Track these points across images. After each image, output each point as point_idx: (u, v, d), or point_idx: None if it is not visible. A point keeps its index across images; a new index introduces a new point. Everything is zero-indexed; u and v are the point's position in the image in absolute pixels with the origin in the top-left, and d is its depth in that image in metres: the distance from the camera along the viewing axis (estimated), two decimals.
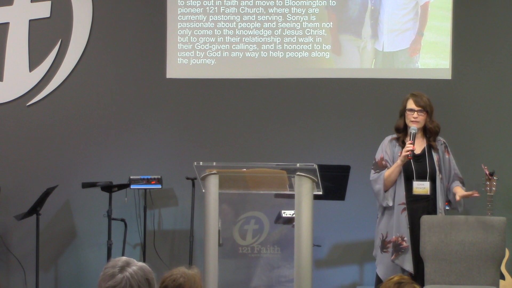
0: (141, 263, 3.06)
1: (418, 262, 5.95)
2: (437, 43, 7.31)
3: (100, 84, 7.55)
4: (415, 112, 5.96)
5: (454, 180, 6.10)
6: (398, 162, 5.92)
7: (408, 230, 5.92)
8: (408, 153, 5.86)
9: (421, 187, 5.95)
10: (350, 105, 7.35)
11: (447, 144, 6.11)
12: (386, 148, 6.05)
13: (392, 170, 5.93)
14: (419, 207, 5.96)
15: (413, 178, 5.93)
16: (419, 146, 5.99)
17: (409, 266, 5.91)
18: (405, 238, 5.91)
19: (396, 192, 5.94)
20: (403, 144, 6.00)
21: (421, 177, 5.95)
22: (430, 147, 6.02)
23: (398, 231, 5.91)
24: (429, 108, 6.00)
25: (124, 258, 3.07)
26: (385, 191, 5.94)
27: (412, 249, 5.93)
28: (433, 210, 5.98)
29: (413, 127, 5.94)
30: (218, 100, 7.48)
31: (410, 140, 5.91)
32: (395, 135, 6.09)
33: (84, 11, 7.52)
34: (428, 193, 5.96)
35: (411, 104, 5.99)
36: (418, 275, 5.92)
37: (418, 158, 5.97)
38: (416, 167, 5.95)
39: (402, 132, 6.04)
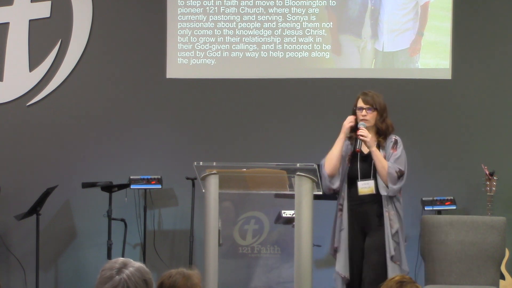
0: (138, 264, 3.06)
1: (353, 267, 5.74)
2: (437, 43, 7.31)
3: (100, 84, 7.55)
4: (364, 110, 5.77)
5: None
6: (341, 135, 5.75)
7: (342, 231, 5.72)
8: (351, 123, 5.72)
9: (366, 186, 5.72)
10: (350, 105, 7.32)
11: (398, 140, 5.83)
12: None
13: (334, 146, 5.75)
14: (364, 211, 5.72)
15: (358, 179, 5.73)
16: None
17: (338, 266, 5.72)
18: (335, 239, 5.75)
19: (340, 193, 5.76)
20: (355, 143, 5.78)
21: (366, 177, 5.74)
22: (379, 146, 5.80)
23: (334, 231, 5.78)
24: (379, 106, 5.80)
25: (121, 259, 3.07)
26: (330, 176, 5.72)
27: (350, 255, 5.73)
28: (380, 214, 5.70)
29: (361, 122, 5.75)
30: (218, 100, 7.48)
31: (356, 142, 5.72)
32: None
33: (84, 11, 7.52)
34: (374, 192, 5.70)
35: (360, 103, 5.82)
36: (354, 281, 5.72)
37: (366, 158, 5.78)
38: (361, 167, 5.76)
39: (354, 131, 5.82)
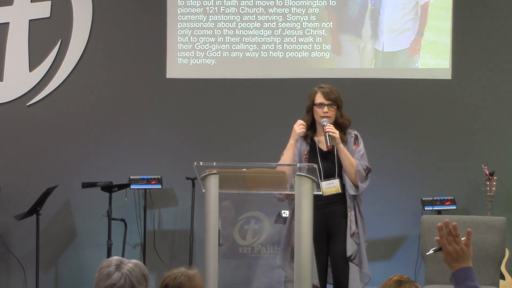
0: (134, 260, 3.11)
1: (323, 273, 5.47)
2: (437, 43, 7.31)
3: (100, 84, 7.55)
4: (325, 107, 5.47)
5: None
6: (291, 141, 5.46)
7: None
8: (302, 129, 5.42)
9: (330, 186, 5.43)
10: (350, 105, 7.32)
11: (358, 136, 5.58)
12: None
13: (285, 152, 5.47)
14: (330, 212, 5.45)
15: (321, 179, 5.37)
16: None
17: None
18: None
19: None
20: (311, 142, 5.55)
21: (329, 176, 5.45)
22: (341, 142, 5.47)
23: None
24: (339, 101, 5.52)
25: (115, 257, 3.11)
26: None
27: (317, 259, 5.40)
28: (345, 215, 5.44)
29: (324, 119, 5.44)
30: (218, 100, 7.48)
31: (326, 139, 5.37)
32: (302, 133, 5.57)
33: (84, 11, 7.52)
34: (340, 191, 5.42)
35: (320, 98, 5.49)
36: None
37: (326, 156, 5.48)
38: (323, 166, 5.44)
39: (310, 129, 5.55)
